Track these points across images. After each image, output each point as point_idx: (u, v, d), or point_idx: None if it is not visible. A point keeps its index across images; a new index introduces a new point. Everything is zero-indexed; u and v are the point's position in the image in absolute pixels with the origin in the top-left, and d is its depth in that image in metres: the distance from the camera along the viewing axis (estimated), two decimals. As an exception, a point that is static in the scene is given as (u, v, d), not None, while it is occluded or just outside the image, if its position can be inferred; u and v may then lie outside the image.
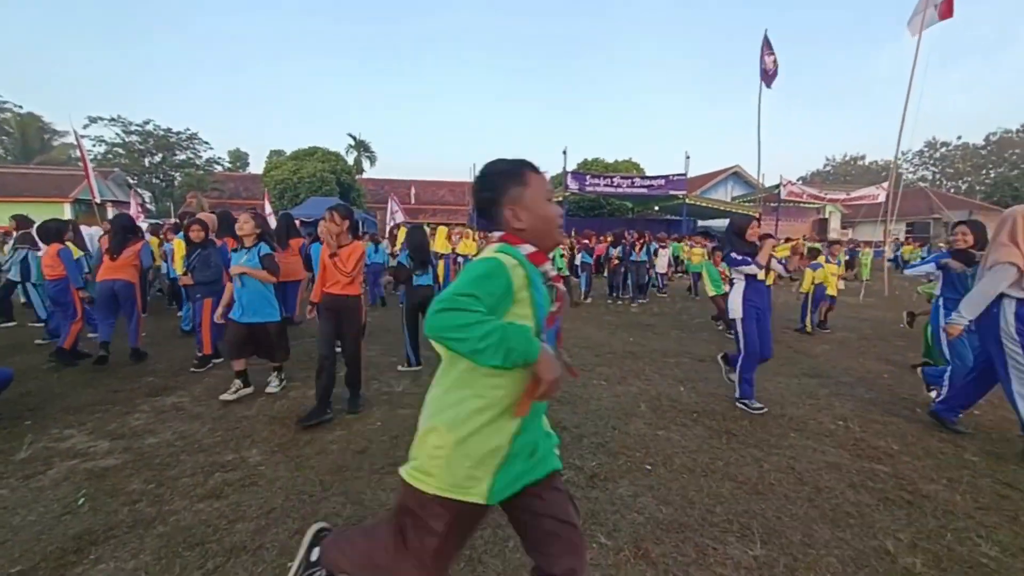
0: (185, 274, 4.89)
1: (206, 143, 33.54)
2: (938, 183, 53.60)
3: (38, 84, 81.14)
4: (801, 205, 26.36)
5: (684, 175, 20.03)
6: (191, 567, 1.99)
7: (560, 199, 19.92)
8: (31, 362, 5.03)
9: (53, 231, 5.26)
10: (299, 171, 24.44)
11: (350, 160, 31.63)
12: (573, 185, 18.60)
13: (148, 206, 26.40)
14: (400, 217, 14.11)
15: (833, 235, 26.62)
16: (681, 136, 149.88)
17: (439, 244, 8.58)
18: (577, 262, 11.42)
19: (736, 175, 30.68)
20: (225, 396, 3.94)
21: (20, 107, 38.31)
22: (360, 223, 5.12)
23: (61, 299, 5.20)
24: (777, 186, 20.75)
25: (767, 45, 14.30)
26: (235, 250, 4.24)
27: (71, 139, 9.90)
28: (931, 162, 58.19)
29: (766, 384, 4.62)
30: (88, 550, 2.09)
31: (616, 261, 10.34)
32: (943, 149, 60.58)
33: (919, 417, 3.86)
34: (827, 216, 30.58)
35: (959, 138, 60.82)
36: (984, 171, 56.03)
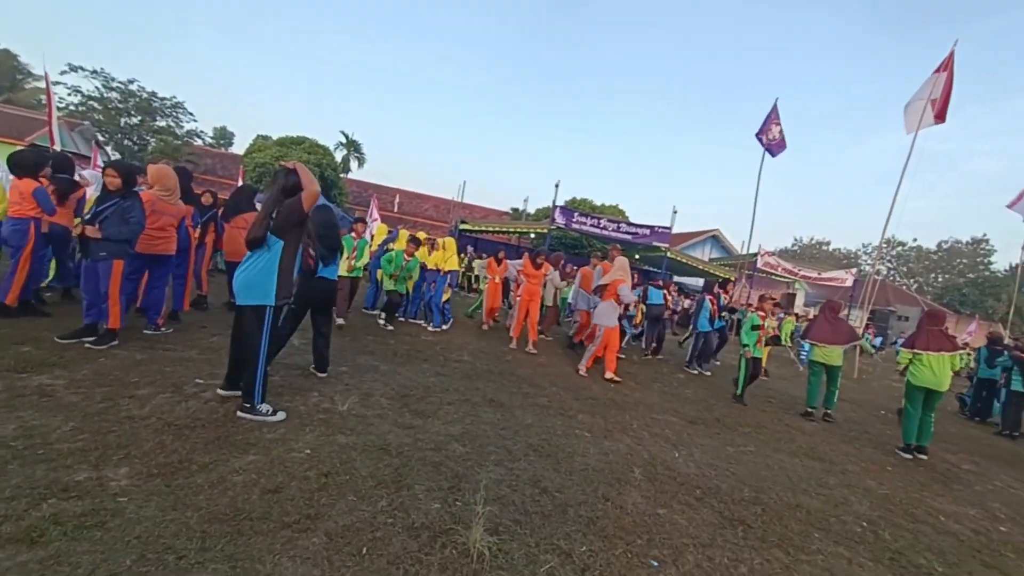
0: (90, 224, 3.84)
1: (190, 114, 32.09)
2: (892, 278, 56.51)
3: (23, 24, 77.13)
4: (773, 277, 26.95)
5: (669, 228, 20.06)
6: None
7: (544, 232, 19.56)
8: None
9: (30, 164, 4.41)
10: (283, 158, 23.31)
11: (338, 157, 30.71)
12: (560, 220, 18.26)
13: (110, 165, 24.53)
14: (374, 224, 13.24)
15: (797, 310, 27.23)
16: (664, 191, 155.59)
17: (448, 260, 7.79)
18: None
19: (715, 238, 31.30)
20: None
21: (-6, 42, 35.92)
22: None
23: (15, 242, 4.31)
24: (755, 255, 21.06)
25: (775, 114, 14.55)
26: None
27: (45, 84, 8.79)
28: (887, 258, 61.62)
29: (767, 461, 4.04)
30: None
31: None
32: (899, 248, 64.46)
33: (944, 527, 3.31)
34: (795, 292, 31.43)
35: (915, 240, 64.89)
36: (934, 274, 59.73)
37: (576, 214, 19.06)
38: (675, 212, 19.88)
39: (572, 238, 24.23)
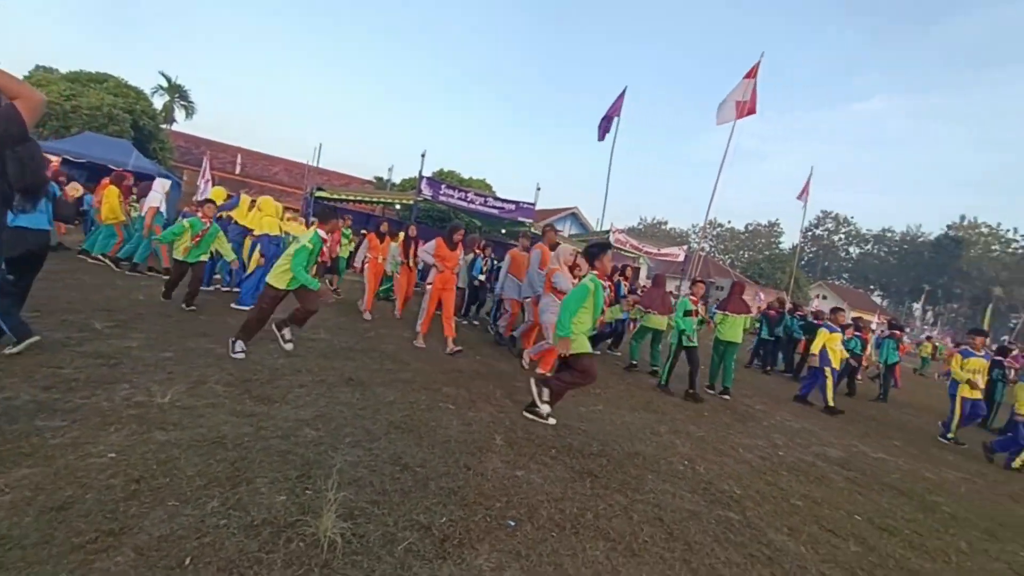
0: None
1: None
2: (713, 255, 66.87)
3: None
4: (623, 252, 29.93)
5: (533, 204, 20.92)
6: None
7: (411, 203, 18.94)
8: None
9: None
10: (76, 98, 18.67)
11: (158, 104, 25.70)
12: (427, 191, 17.81)
13: None
14: (207, 185, 11.41)
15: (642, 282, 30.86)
16: (528, 168, 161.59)
17: (262, 222, 6.76)
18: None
19: (574, 215, 33.55)
20: None
21: None
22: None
23: None
24: (608, 232, 23.10)
25: (621, 101, 15.79)
26: None
27: None
28: (709, 237, 72.62)
29: (612, 417, 4.49)
30: None
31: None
32: (719, 228, 76.30)
33: (741, 457, 4.05)
34: (639, 266, 35.39)
35: (729, 222, 77.37)
36: (742, 251, 72.05)
37: (443, 186, 18.77)
38: (539, 189, 20.74)
39: (439, 211, 23.91)
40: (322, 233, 4.38)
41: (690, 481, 3.30)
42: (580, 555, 2.17)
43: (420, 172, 17.48)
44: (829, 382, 6.80)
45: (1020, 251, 61.72)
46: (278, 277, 4.19)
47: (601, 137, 18.10)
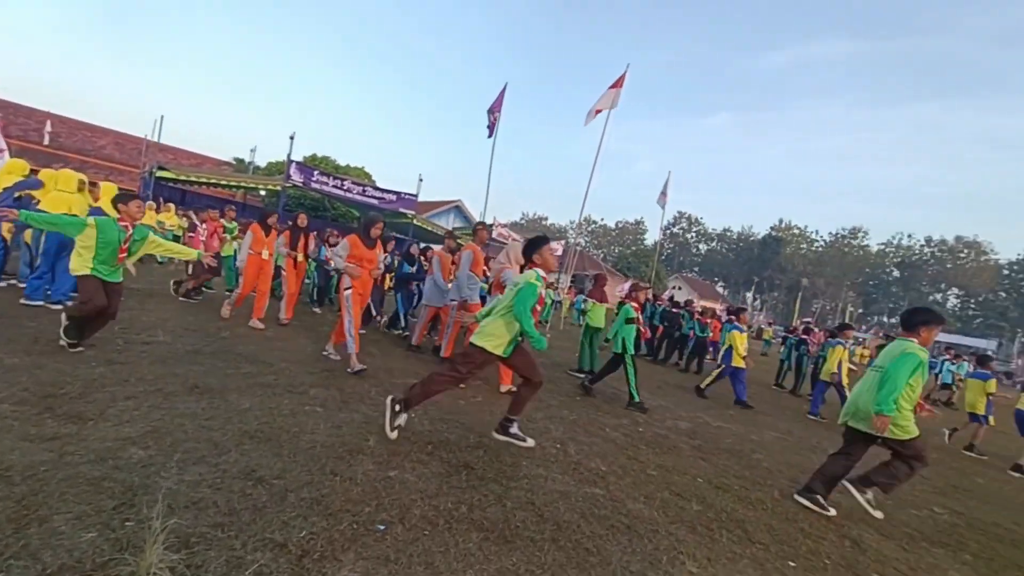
0: None
1: None
2: (588, 249, 71.78)
3: None
4: (504, 244, 30.72)
5: (415, 196, 20.44)
6: None
7: (278, 189, 17.31)
8: None
9: None
10: None
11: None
12: (298, 177, 16.41)
13: None
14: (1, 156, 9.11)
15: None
16: (410, 158, 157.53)
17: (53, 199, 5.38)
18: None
19: (458, 208, 33.50)
20: None
21: None
22: None
23: None
24: (491, 225, 23.49)
25: (502, 96, 16.08)
26: None
27: None
28: (585, 233, 77.88)
29: (491, 408, 4.55)
30: None
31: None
32: (593, 225, 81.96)
33: (608, 436, 4.38)
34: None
35: (602, 219, 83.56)
36: (613, 246, 78.34)
37: (316, 173, 17.48)
38: (421, 180, 20.35)
39: (313, 199, 22.24)
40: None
41: (561, 463, 3.47)
42: (452, 549, 2.14)
43: (289, 156, 16.04)
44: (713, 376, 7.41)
45: (819, 249, 76.30)
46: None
47: (491, 134, 18.24)
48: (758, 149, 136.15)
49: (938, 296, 70.45)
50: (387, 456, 3.00)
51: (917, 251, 72.14)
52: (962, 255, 68.61)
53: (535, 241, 3.66)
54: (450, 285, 6.10)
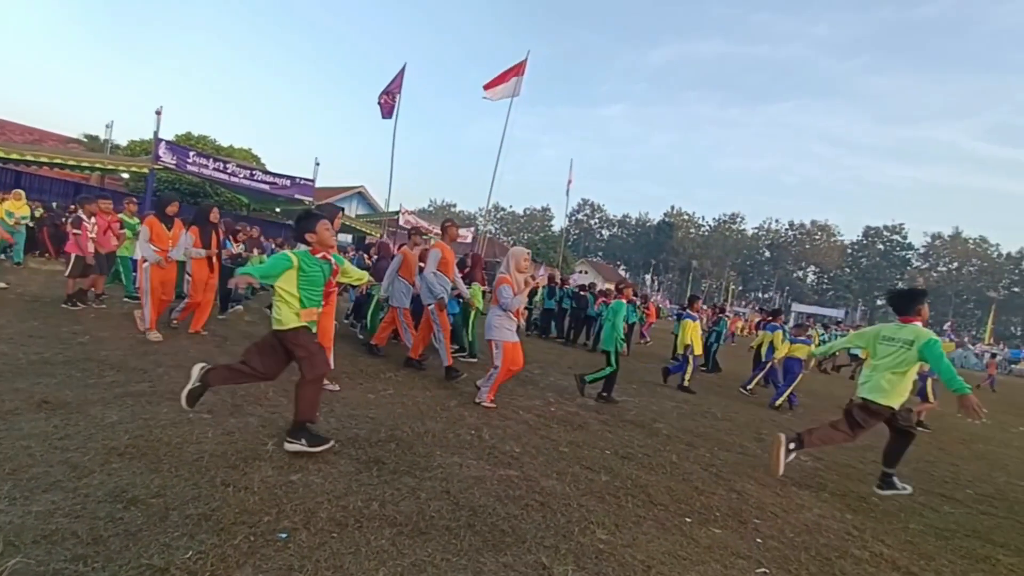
0: None
1: None
2: (497, 236, 72.47)
3: None
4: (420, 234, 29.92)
5: (312, 181, 19.09)
6: None
7: (146, 171, 15.21)
8: None
9: None
10: None
11: None
12: (168, 158, 14.48)
13: None
14: None
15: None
16: (306, 141, 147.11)
17: None
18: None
19: (361, 195, 31.96)
20: None
21: None
22: None
23: None
24: (397, 212, 22.72)
25: (400, 78, 15.48)
26: None
27: None
28: (494, 220, 78.56)
29: (403, 399, 4.43)
30: None
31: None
32: (502, 212, 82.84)
33: (521, 418, 4.48)
34: (430, 247, 35.95)
35: (511, 206, 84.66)
36: (522, 232, 79.87)
37: (192, 153, 15.62)
38: (318, 164, 19.09)
39: (190, 183, 19.89)
40: None
41: (476, 449, 3.47)
42: (364, 549, 2.05)
43: (156, 133, 14.11)
44: (690, 368, 7.46)
45: (705, 233, 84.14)
46: None
47: (386, 115, 17.48)
48: (649, 139, 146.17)
49: (799, 273, 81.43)
50: (288, 459, 2.79)
51: (783, 234, 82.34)
52: (816, 237, 79.61)
53: (305, 217, 3.12)
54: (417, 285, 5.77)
